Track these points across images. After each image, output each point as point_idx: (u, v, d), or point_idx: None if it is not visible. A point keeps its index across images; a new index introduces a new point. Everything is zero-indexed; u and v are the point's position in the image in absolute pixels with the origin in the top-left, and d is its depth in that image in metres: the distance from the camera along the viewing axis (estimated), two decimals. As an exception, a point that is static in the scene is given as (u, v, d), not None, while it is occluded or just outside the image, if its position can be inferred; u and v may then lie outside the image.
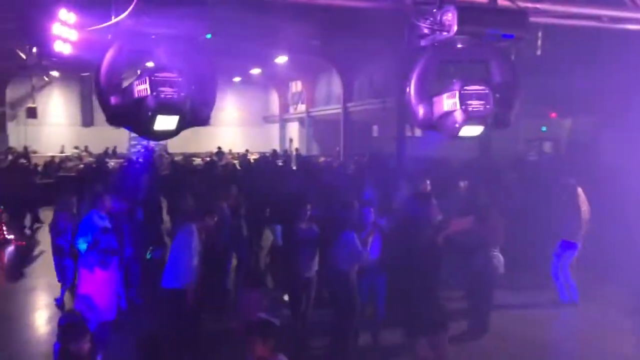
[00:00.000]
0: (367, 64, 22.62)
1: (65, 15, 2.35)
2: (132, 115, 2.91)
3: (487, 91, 3.25)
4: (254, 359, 3.85)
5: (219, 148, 28.93)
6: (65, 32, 2.40)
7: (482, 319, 7.31)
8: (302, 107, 30.79)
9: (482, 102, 3.20)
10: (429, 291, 5.00)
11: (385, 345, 6.83)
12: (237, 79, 33.06)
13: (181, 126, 3.05)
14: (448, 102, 3.23)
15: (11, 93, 29.99)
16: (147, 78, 2.89)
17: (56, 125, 31.91)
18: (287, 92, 33.33)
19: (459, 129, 3.17)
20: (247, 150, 28.95)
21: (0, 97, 28.05)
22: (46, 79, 28.41)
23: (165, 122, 2.95)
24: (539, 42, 13.90)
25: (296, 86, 31.82)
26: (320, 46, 21.68)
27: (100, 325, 5.72)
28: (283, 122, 34.08)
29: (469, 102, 3.18)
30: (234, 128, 35.65)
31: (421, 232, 4.93)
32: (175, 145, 24.21)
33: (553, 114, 16.34)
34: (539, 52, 13.97)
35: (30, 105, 30.10)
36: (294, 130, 32.67)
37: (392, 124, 19.46)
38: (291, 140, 32.62)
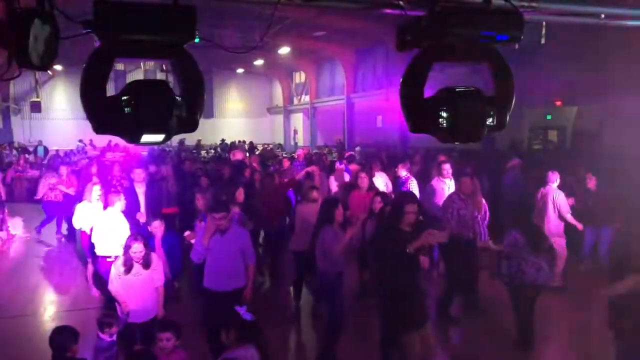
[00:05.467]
0: (371, 54, 22.48)
1: (40, 27, 2.26)
2: (118, 127, 2.84)
3: (475, 89, 3.14)
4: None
5: (223, 140, 28.96)
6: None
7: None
8: (306, 98, 30.70)
9: (471, 102, 3.09)
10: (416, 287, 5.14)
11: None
12: (240, 70, 33.00)
13: (169, 136, 2.98)
14: (436, 105, 3.10)
15: (15, 87, 30.06)
16: (133, 96, 2.80)
17: (61, 119, 31.99)
18: (290, 83, 33.24)
19: (450, 132, 3.08)
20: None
21: (4, 92, 28.07)
22: (50, 73, 28.41)
23: (152, 137, 2.90)
24: (543, 31, 13.72)
25: (300, 77, 31.72)
26: (323, 37, 21.56)
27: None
28: (287, 113, 34.02)
29: (458, 102, 3.06)
30: (238, 119, 35.64)
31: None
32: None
33: (558, 102, 16.14)
34: (543, 41, 13.80)
35: (34, 99, 30.18)
36: (298, 121, 32.60)
37: (395, 114, 19.37)
38: (296, 131, 32.56)
